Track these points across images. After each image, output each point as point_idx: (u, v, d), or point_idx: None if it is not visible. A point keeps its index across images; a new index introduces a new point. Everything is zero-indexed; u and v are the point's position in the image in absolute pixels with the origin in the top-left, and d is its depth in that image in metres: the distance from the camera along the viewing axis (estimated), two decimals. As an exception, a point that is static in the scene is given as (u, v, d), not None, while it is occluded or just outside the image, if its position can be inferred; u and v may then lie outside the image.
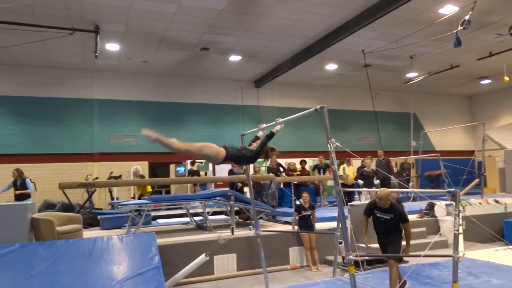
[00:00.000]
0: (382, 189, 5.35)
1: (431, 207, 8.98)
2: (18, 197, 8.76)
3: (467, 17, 8.21)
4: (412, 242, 7.70)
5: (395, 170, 12.88)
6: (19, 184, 8.84)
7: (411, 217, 8.52)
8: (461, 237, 7.35)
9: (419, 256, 5.07)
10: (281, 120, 4.73)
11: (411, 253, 5.56)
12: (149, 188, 11.19)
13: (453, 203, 5.25)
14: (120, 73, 13.33)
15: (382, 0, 8.54)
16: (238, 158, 4.38)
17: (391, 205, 5.18)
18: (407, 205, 9.55)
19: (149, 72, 13.51)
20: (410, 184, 13.19)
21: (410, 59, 12.78)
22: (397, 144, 16.65)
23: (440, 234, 8.17)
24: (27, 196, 8.84)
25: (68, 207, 9.46)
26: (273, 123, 4.80)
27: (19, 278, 5.05)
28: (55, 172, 12.06)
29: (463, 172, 11.06)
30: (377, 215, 5.27)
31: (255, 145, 4.56)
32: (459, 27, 8.39)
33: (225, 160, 4.28)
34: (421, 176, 14.19)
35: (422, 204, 9.66)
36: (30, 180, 9.05)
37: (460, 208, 3.95)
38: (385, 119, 16.95)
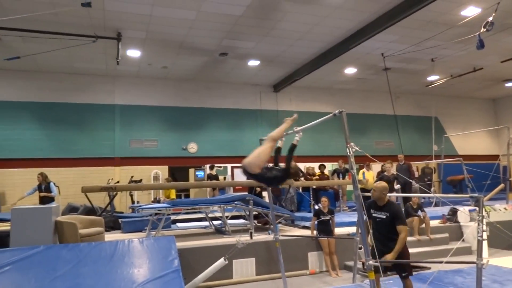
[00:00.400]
0: (379, 181, 5.07)
1: (453, 212, 8.79)
2: (42, 200, 9.00)
3: (490, 18, 8.03)
4: (434, 248, 7.66)
5: (416, 174, 12.65)
6: (44, 188, 9.09)
7: (433, 223, 8.39)
8: (485, 243, 7.17)
9: (441, 262, 4.96)
10: (299, 128, 4.76)
11: (433, 259, 5.42)
12: (173, 194, 11.30)
13: (477, 208, 5.11)
14: (141, 79, 13.58)
15: (402, 3, 8.44)
16: (269, 179, 4.35)
17: (388, 201, 4.65)
18: (429, 211, 9.37)
19: (168, 77, 13.71)
20: (432, 189, 12.94)
21: (431, 62, 12.57)
22: (418, 148, 16.37)
23: (463, 240, 7.98)
24: (51, 199, 9.08)
25: (90, 211, 9.65)
26: (291, 131, 4.83)
27: (43, 279, 5.18)
28: (78, 176, 12.36)
29: (487, 177, 10.80)
30: (373, 215, 4.70)
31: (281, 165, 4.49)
32: (482, 29, 8.21)
33: (253, 177, 4.22)
34: (444, 181, 13.90)
35: (445, 210, 9.47)
36: (54, 184, 9.29)
37: (484, 213, 3.86)
38: (406, 123, 16.70)
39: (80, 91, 12.94)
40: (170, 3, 8.28)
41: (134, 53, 11.09)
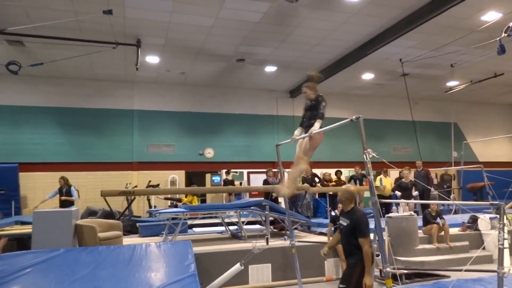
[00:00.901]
0: (347, 184, 4.90)
1: (474, 220, 8.60)
2: (63, 204, 9.19)
3: (511, 24, 7.89)
4: (454, 256, 7.50)
5: (435, 181, 12.44)
6: (65, 192, 9.28)
7: (453, 231, 8.22)
8: (506, 251, 6.98)
9: (460, 270, 4.85)
10: (315, 132, 4.81)
11: (453, 267, 5.30)
12: (195, 200, 11.30)
13: (498, 216, 5.00)
14: (159, 85, 13.78)
15: (421, 9, 8.37)
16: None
17: (353, 208, 4.27)
18: (449, 218, 9.19)
19: (186, 83, 13.87)
20: (452, 196, 12.69)
21: (451, 67, 12.38)
22: (437, 154, 16.09)
23: (483, 249, 7.80)
24: (71, 203, 9.27)
25: (109, 214, 9.81)
26: (307, 135, 4.89)
27: (63, 282, 5.28)
28: (97, 180, 12.57)
29: (508, 184, 10.52)
30: (340, 221, 4.37)
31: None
32: (503, 34, 8.05)
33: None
34: (464, 188, 13.62)
35: (465, 217, 9.27)
36: (75, 188, 9.49)
37: (505, 221, 3.78)
38: (424, 129, 16.45)
39: (100, 96, 13.21)
40: (189, 11, 8.41)
41: (153, 59, 11.28)
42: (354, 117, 4.11)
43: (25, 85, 12.39)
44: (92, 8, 7.72)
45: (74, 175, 12.11)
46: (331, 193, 10.72)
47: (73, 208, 7.22)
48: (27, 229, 7.54)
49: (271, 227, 8.86)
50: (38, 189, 12.21)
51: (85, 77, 12.90)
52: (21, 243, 7.44)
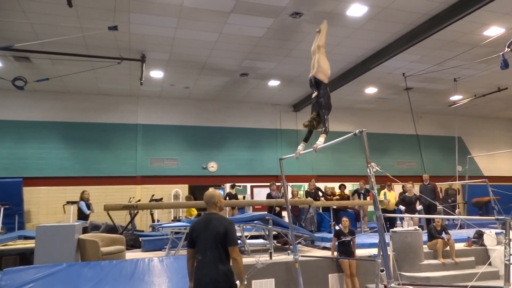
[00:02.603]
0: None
1: (479, 235, 8.50)
2: (79, 217, 9.68)
3: (514, 38, 7.93)
4: (460, 271, 7.41)
5: (440, 195, 12.35)
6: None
7: (458, 246, 8.12)
8: (514, 268, 6.88)
9: (466, 286, 4.79)
10: (320, 146, 4.82)
11: (459, 283, 5.23)
12: (194, 211, 11.38)
13: (504, 231, 4.95)
14: (163, 99, 13.88)
15: (423, 24, 8.45)
16: (322, 96, 5.40)
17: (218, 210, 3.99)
18: (454, 233, 9.09)
19: (190, 97, 13.96)
20: (457, 210, 12.57)
21: (454, 81, 12.41)
22: (441, 169, 16.00)
23: (490, 264, 7.68)
24: (85, 216, 9.56)
25: (111, 229, 9.78)
26: (311, 149, 4.90)
27: (65, 296, 5.25)
28: (100, 194, 12.56)
29: (514, 199, 10.44)
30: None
31: None
32: (506, 49, 8.08)
33: (317, 85, 5.53)
34: (469, 203, 13.49)
35: (470, 232, 9.16)
36: (85, 201, 9.74)
37: (512, 237, 3.73)
38: (428, 143, 16.41)
39: (104, 111, 13.31)
40: (193, 26, 8.52)
41: (157, 74, 11.39)
42: (357, 131, 4.12)
43: (30, 100, 12.51)
44: (97, 25, 7.84)
45: (78, 190, 12.11)
46: (335, 207, 10.66)
47: (77, 223, 7.22)
48: (30, 243, 7.52)
49: (275, 241, 8.80)
50: (42, 204, 12.23)
51: (90, 92, 13.02)
52: (23, 258, 7.42)
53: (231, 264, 3.69)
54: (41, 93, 12.55)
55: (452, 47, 9.75)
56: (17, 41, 7.97)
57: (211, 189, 4.11)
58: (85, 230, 9.40)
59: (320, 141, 4.86)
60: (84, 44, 9.08)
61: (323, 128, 4.93)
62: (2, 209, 9.62)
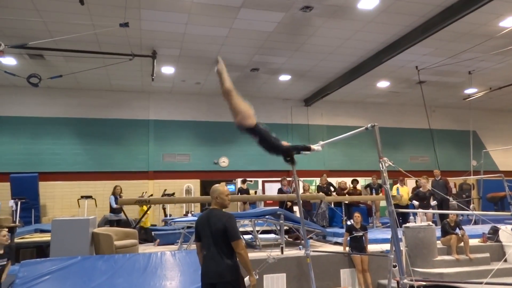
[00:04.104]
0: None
1: (495, 231, 8.37)
2: (114, 210, 10.05)
3: (531, 29, 7.76)
4: (474, 268, 7.30)
5: (453, 191, 12.19)
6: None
7: (473, 242, 8.02)
8: (530, 264, 6.78)
9: (481, 283, 4.73)
10: (323, 142, 4.76)
11: (473, 280, 5.16)
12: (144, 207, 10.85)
13: (520, 227, 4.87)
14: (174, 95, 13.94)
15: (436, 16, 8.30)
16: (263, 138, 4.46)
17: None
18: (468, 229, 8.97)
19: (201, 93, 14.00)
20: (471, 206, 12.40)
21: (469, 74, 12.19)
22: (455, 163, 15.78)
23: (505, 261, 7.57)
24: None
25: (125, 223, 9.92)
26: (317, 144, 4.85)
27: (80, 289, 5.35)
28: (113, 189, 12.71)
29: (531, 194, 10.24)
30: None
31: (285, 144, 4.51)
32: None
33: (250, 131, 4.49)
34: (484, 198, 13.30)
35: (485, 228, 9.03)
36: (115, 196, 10.07)
37: (527, 232, 3.67)
38: (442, 137, 16.18)
39: (117, 107, 13.44)
40: (203, 22, 8.53)
41: (168, 69, 11.44)
42: (369, 125, 4.09)
43: (45, 97, 12.70)
44: (109, 22, 7.89)
45: (92, 184, 12.32)
46: (346, 202, 10.61)
47: (91, 217, 7.33)
48: (46, 237, 7.68)
49: (286, 236, 8.81)
50: (57, 198, 12.46)
51: (102, 89, 13.16)
52: (40, 250, 7.58)
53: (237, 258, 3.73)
54: (55, 90, 12.72)
55: (466, 39, 9.56)
56: (31, 39, 8.09)
57: (217, 184, 4.12)
58: (112, 224, 9.62)
59: (318, 148, 4.77)
60: (96, 41, 9.16)
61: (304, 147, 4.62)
62: (19, 203, 9.83)
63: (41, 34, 8.48)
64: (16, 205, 9.80)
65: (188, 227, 7.99)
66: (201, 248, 3.82)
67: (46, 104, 12.79)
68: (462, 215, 10.57)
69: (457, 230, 7.76)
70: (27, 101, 12.57)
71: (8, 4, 7.56)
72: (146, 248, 8.15)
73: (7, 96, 12.44)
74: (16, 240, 7.50)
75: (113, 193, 10.14)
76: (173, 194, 12.53)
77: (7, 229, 5.71)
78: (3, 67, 10.05)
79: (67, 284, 5.41)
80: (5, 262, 4.79)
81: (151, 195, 12.57)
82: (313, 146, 4.60)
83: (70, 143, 12.91)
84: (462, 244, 7.70)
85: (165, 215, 12.38)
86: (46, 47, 8.90)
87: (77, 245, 6.22)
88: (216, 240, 3.68)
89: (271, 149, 4.49)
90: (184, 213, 12.85)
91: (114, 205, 9.88)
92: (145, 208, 9.97)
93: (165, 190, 12.68)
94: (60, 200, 12.44)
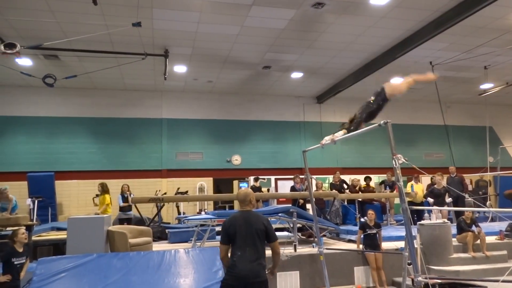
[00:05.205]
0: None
1: (512, 228, 8.22)
2: (123, 209, 10.01)
3: (549, 21, 7.57)
4: (491, 266, 7.18)
5: (469, 188, 12.00)
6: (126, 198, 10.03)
7: (490, 239, 7.89)
8: (549, 263, 6.64)
9: (497, 281, 4.65)
10: (338, 138, 4.78)
11: (490, 277, 5.07)
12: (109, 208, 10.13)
13: (538, 224, 4.77)
14: (187, 93, 14.02)
15: (451, 10, 8.15)
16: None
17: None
18: (485, 226, 8.82)
19: (213, 91, 14.05)
20: (488, 203, 12.19)
21: (484, 69, 11.97)
22: (471, 160, 15.52)
23: (524, 259, 7.43)
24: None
25: (139, 221, 10.03)
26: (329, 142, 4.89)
27: (96, 286, 5.43)
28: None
29: (549, 191, 10.02)
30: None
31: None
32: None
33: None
34: (501, 195, 13.05)
35: (502, 225, 8.87)
36: (123, 194, 10.16)
37: (546, 230, 3.59)
38: (458, 133, 15.93)
39: (130, 106, 13.58)
40: (215, 20, 8.54)
41: (180, 68, 11.50)
42: (382, 122, 4.04)
43: (60, 97, 12.90)
44: (122, 21, 7.97)
45: (106, 183, 12.45)
46: (360, 199, 10.54)
47: (106, 215, 7.43)
48: (62, 234, 7.82)
49: (299, 234, 8.79)
50: (73, 196, 12.66)
51: (116, 88, 13.31)
52: (57, 248, 7.72)
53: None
54: (70, 90, 12.91)
55: (482, 33, 9.38)
56: (46, 39, 8.21)
57: (243, 188, 4.18)
58: (122, 222, 9.69)
59: (339, 134, 4.85)
60: (109, 41, 9.26)
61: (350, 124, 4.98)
62: (36, 201, 10.02)
63: (56, 35, 8.61)
64: (33, 203, 9.99)
65: (202, 225, 8.04)
66: (234, 249, 3.79)
67: (61, 104, 12.99)
68: (478, 212, 10.39)
69: (473, 227, 7.64)
70: (43, 101, 12.80)
71: (24, 6, 7.69)
72: (159, 246, 8.23)
73: (23, 96, 12.68)
74: (33, 238, 7.66)
75: (121, 192, 10.17)
76: (187, 192, 12.62)
77: (25, 228, 5.83)
78: (20, 68, 10.25)
79: (83, 281, 5.50)
80: (24, 260, 4.89)
81: (165, 193, 12.68)
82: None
83: (85, 142, 13.11)
84: (478, 241, 7.58)
85: (179, 213, 12.48)
86: (60, 48, 9.02)
87: (93, 242, 6.31)
88: (254, 241, 3.74)
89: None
90: (198, 211, 12.94)
91: (121, 204, 9.95)
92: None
93: (178, 188, 12.79)
94: (76, 198, 12.64)
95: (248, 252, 3.70)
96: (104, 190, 9.70)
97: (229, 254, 3.83)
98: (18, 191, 11.57)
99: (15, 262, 4.76)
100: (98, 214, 9.12)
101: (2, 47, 6.84)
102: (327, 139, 5.13)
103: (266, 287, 3.73)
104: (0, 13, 7.90)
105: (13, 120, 12.60)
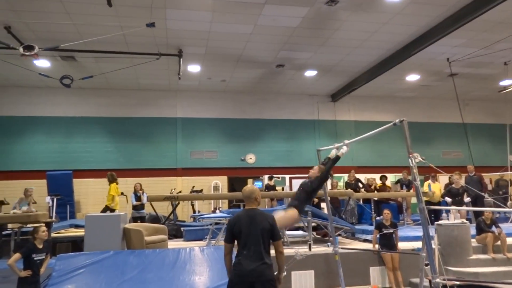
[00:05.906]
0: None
1: (534, 228, 8.01)
2: (135, 207, 10.03)
3: None
4: (511, 268, 7.00)
5: (489, 187, 11.74)
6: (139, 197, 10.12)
7: (510, 240, 7.70)
8: None
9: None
10: (348, 142, 4.72)
11: (510, 280, 4.94)
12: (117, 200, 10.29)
13: (561, 224, 4.63)
14: (201, 93, 14.09)
15: (468, 5, 7.97)
16: (306, 199, 4.98)
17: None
18: (505, 227, 8.62)
19: (227, 90, 14.08)
20: (508, 203, 11.90)
21: (504, 65, 11.68)
22: (491, 158, 15.19)
23: (546, 260, 7.23)
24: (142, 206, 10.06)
25: (155, 219, 10.14)
26: (341, 144, 4.82)
27: (113, 283, 5.51)
28: (143, 186, 12.94)
29: None
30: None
31: (317, 169, 4.86)
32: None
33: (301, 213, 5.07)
34: (521, 194, 12.74)
35: (523, 226, 8.67)
36: (135, 193, 10.24)
37: None
38: (476, 131, 15.60)
39: (145, 106, 13.72)
40: (228, 19, 8.55)
41: (194, 68, 11.56)
42: (397, 120, 3.98)
43: (77, 98, 13.13)
44: (136, 22, 8.04)
45: (122, 181, 12.56)
46: (376, 199, 10.43)
47: (122, 213, 7.53)
48: (80, 232, 7.95)
49: (314, 233, 8.75)
50: (90, 194, 12.88)
51: (131, 88, 13.46)
52: (75, 245, 7.86)
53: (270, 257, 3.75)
54: (86, 90, 13.12)
55: (501, 29, 9.15)
56: (62, 41, 8.34)
57: (249, 185, 4.14)
58: (136, 221, 9.78)
59: (345, 151, 4.95)
60: (124, 42, 9.37)
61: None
62: (55, 199, 10.24)
63: (72, 37, 8.75)
64: (52, 201, 10.20)
65: (216, 223, 8.07)
66: (240, 248, 3.77)
67: (78, 104, 13.22)
68: (498, 212, 10.17)
69: (494, 228, 7.47)
70: (60, 101, 13.04)
71: (41, 9, 7.83)
72: (175, 244, 8.29)
73: (41, 97, 12.95)
74: (53, 234, 7.81)
75: (134, 191, 10.23)
76: (201, 190, 12.69)
77: (45, 225, 5.96)
78: (38, 69, 10.47)
79: (100, 277, 5.59)
80: (43, 256, 5.01)
81: (180, 191, 12.78)
82: (341, 152, 4.69)
83: (101, 141, 13.31)
84: (498, 242, 7.41)
85: (194, 211, 12.56)
86: (77, 49, 9.17)
87: (110, 240, 6.41)
88: (258, 239, 3.69)
89: (314, 191, 5.10)
90: (212, 209, 13.00)
91: (134, 202, 10.04)
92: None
93: (193, 186, 12.87)
94: (93, 196, 12.84)
95: (252, 250, 3.67)
96: (109, 180, 9.71)
97: (234, 253, 3.82)
98: (38, 189, 11.85)
99: (35, 258, 4.88)
100: (108, 207, 9.22)
101: (21, 50, 7.00)
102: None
103: (272, 286, 3.67)
104: (19, 16, 8.07)
105: (32, 120, 12.89)
